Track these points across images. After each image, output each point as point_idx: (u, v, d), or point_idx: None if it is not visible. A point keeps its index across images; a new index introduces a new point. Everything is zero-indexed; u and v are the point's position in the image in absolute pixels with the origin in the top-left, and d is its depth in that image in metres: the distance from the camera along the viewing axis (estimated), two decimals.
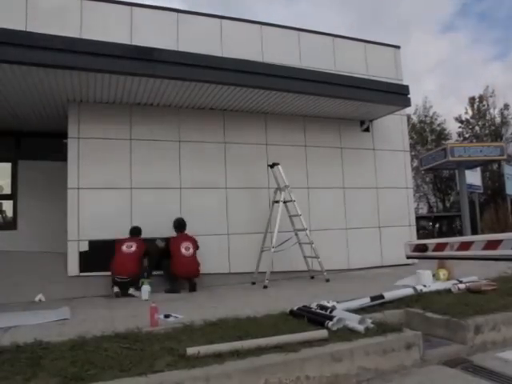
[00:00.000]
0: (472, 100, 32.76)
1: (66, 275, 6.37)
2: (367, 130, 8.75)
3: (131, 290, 5.96)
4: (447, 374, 3.13)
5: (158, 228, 6.76)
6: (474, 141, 28.35)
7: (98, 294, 6.07)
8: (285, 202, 7.20)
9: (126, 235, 6.53)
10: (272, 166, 7.35)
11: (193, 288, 6.36)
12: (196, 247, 6.54)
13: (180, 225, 6.66)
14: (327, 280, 6.81)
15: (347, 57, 8.64)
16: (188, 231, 6.68)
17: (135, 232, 6.47)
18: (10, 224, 8.13)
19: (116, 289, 6.00)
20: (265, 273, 6.68)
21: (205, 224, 7.07)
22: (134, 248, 6.18)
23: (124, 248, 6.16)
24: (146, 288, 5.67)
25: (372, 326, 3.44)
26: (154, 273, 6.42)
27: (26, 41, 5.23)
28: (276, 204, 7.21)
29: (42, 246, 7.16)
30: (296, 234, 7.29)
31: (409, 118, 10.81)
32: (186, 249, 6.39)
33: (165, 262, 6.43)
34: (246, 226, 7.32)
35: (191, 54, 6.21)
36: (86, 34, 6.38)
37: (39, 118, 7.46)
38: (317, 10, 50.68)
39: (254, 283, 6.91)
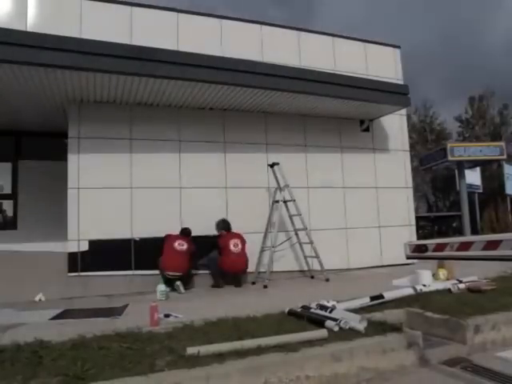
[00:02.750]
0: (472, 100, 32.79)
1: (65, 275, 6.37)
2: (367, 129, 8.75)
3: (178, 283, 6.18)
4: (447, 373, 3.13)
5: (158, 228, 6.77)
6: (474, 140, 28.33)
7: (97, 293, 6.07)
8: (285, 202, 7.22)
9: (126, 235, 6.57)
10: (272, 165, 7.37)
11: (238, 284, 6.70)
12: (244, 244, 6.76)
13: (226, 224, 6.93)
14: (327, 279, 6.84)
15: (347, 56, 8.63)
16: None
17: (186, 233, 6.67)
18: (10, 224, 8.13)
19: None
20: (265, 272, 6.70)
21: (205, 223, 7.06)
22: (185, 247, 6.45)
23: (176, 245, 6.41)
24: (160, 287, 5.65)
25: (366, 325, 3.44)
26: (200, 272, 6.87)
27: (26, 41, 5.23)
28: (276, 203, 7.23)
29: (42, 246, 7.15)
30: (296, 234, 7.30)
31: (409, 117, 10.81)
32: (234, 245, 6.64)
33: (213, 259, 6.70)
34: (246, 226, 7.30)
35: (191, 54, 6.21)
36: (85, 33, 6.37)
37: (39, 117, 7.45)
38: None
39: (254, 283, 6.93)
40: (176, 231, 6.67)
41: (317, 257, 7.04)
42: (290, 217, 7.32)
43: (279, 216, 7.15)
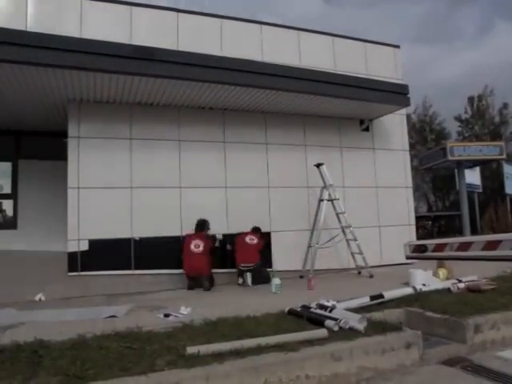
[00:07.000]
0: (471, 99, 32.81)
1: (65, 274, 6.37)
2: (367, 129, 8.75)
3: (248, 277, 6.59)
4: (447, 373, 3.13)
5: (158, 227, 6.78)
6: (474, 140, 28.32)
7: (97, 293, 6.07)
8: (329, 201, 7.45)
9: (126, 234, 6.58)
10: (318, 165, 7.54)
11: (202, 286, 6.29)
12: (208, 246, 6.62)
13: (197, 225, 6.83)
14: (371, 276, 7.03)
15: (347, 56, 8.62)
16: (186, 230, 6.82)
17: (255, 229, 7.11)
18: (10, 223, 8.13)
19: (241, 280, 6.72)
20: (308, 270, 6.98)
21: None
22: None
23: (247, 240, 6.89)
24: (275, 281, 5.84)
25: (365, 324, 3.44)
26: None
27: (26, 40, 5.23)
28: (322, 202, 7.47)
29: (42, 246, 7.16)
30: (343, 231, 7.51)
31: (408, 117, 10.75)
32: (195, 246, 6.54)
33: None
34: (246, 225, 7.31)
35: (191, 54, 6.21)
36: (85, 33, 6.38)
37: (39, 117, 7.45)
38: None
39: (301, 277, 7.20)
40: (176, 229, 6.68)
41: (361, 253, 7.25)
42: (337, 215, 7.53)
43: (323, 214, 7.35)
